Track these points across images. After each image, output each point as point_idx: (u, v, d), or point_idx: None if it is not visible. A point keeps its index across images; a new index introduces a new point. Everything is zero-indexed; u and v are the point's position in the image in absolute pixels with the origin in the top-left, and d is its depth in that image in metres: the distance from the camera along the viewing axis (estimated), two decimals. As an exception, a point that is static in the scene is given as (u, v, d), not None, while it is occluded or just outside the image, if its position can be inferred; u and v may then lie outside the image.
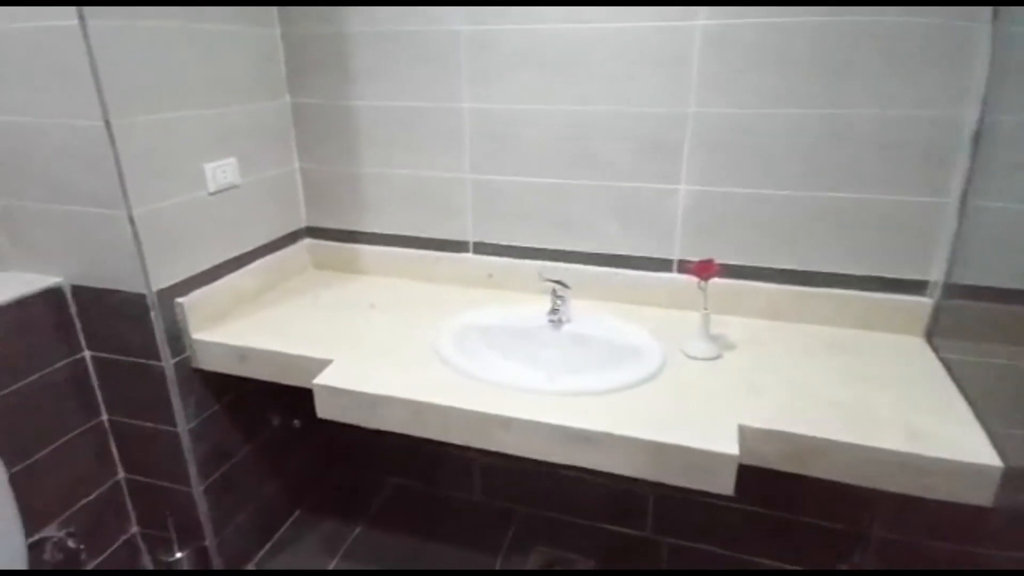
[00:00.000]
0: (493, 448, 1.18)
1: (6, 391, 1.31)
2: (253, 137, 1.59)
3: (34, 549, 1.37)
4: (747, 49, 1.33)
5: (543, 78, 1.48)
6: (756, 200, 1.44)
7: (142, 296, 1.35)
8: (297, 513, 1.98)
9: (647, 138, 1.46)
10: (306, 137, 1.74)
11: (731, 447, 1.05)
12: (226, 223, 1.54)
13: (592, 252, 1.60)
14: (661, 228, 1.53)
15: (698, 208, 1.49)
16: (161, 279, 1.36)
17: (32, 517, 1.38)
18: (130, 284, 1.35)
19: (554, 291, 1.49)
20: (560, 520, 1.95)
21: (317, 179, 1.78)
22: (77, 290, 1.40)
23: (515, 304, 1.59)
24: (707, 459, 1.05)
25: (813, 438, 1.08)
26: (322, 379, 1.25)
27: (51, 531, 1.43)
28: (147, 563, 1.69)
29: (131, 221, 1.29)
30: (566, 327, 1.49)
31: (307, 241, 1.85)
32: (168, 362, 1.41)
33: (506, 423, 1.14)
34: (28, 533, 1.36)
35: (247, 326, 1.48)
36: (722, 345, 1.39)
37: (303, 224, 1.84)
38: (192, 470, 1.53)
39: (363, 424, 1.26)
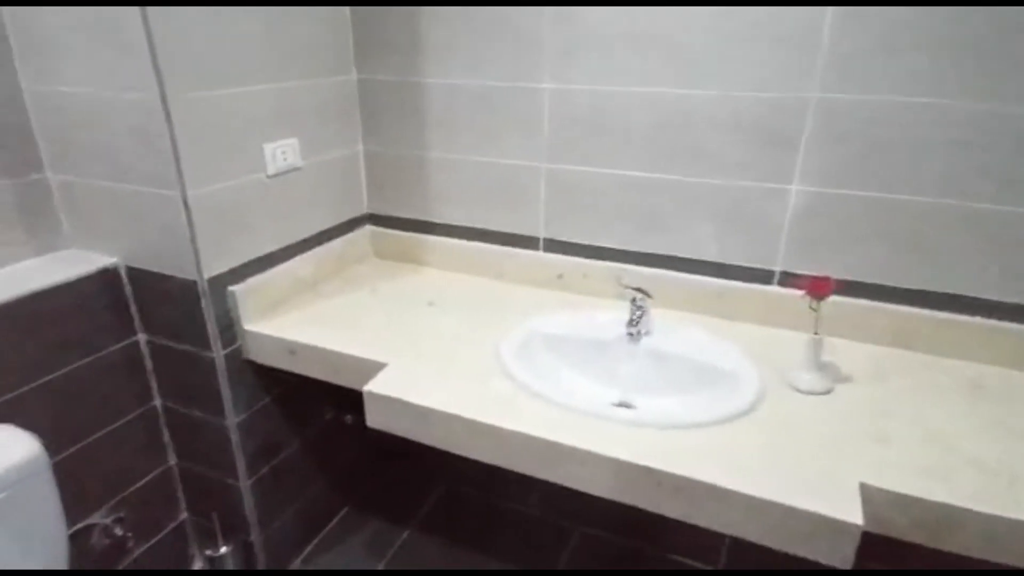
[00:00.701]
0: (560, 483, 1.03)
1: (61, 372, 1.27)
2: (316, 116, 1.49)
3: (80, 535, 1.34)
4: (890, 25, 1.10)
5: (636, 55, 1.29)
6: (886, 207, 1.21)
7: (193, 283, 1.27)
8: (345, 511, 1.91)
9: (757, 128, 1.25)
10: (372, 117, 1.62)
11: (853, 513, 0.85)
12: (285, 208, 1.44)
13: (680, 257, 1.41)
14: (764, 234, 1.32)
15: (811, 213, 1.27)
16: (214, 266, 1.29)
17: (81, 502, 1.35)
18: (182, 270, 1.28)
19: (634, 299, 1.32)
20: (624, 546, 1.79)
21: (381, 163, 1.66)
22: (132, 272, 1.35)
23: (588, 311, 1.43)
24: (822, 526, 0.86)
25: (955, 507, 0.88)
26: (374, 386, 1.13)
27: (99, 517, 1.40)
28: (194, 553, 1.66)
29: (185, 204, 1.21)
30: (646, 341, 1.32)
31: (368, 228, 1.74)
32: (219, 352, 1.34)
33: (578, 457, 0.99)
34: (76, 519, 1.34)
35: (300, 318, 1.39)
36: (835, 377, 1.18)
37: (365, 211, 1.74)
38: (240, 464, 1.47)
39: (415, 439, 1.13)
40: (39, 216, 1.32)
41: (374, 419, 1.16)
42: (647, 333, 1.32)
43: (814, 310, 1.16)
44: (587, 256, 1.51)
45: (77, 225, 1.36)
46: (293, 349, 1.31)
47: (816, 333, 1.16)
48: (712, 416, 1.06)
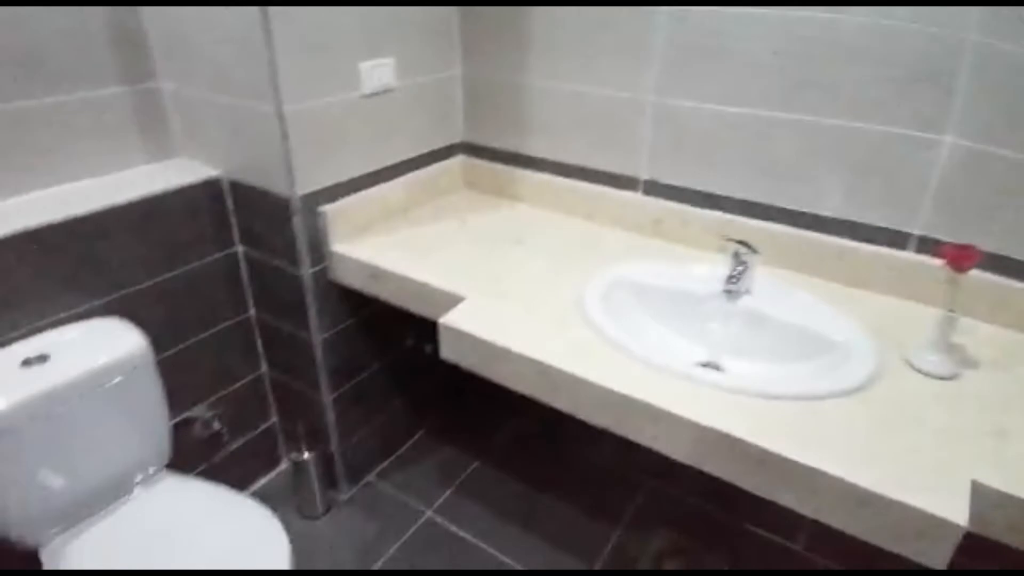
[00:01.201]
0: (634, 439, 0.97)
1: (167, 275, 1.35)
2: (415, 36, 1.43)
3: (182, 426, 1.47)
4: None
5: (773, -29, 1.11)
6: (1067, 169, 0.99)
7: (287, 200, 1.29)
8: (420, 434, 1.97)
9: (908, 64, 1.05)
10: (472, 38, 1.54)
11: (958, 512, 0.74)
12: (378, 129, 1.42)
13: (797, 210, 1.26)
14: (905, 191, 1.14)
15: (966, 170, 1.07)
16: (306, 183, 1.29)
17: (183, 396, 1.46)
18: (277, 185, 1.29)
19: (736, 253, 1.19)
20: (697, 507, 1.73)
21: (479, 88, 1.59)
22: (234, 185, 1.39)
23: (684, 262, 1.32)
24: (920, 521, 0.75)
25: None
26: (449, 319, 1.11)
27: (199, 411, 1.51)
28: (282, 455, 1.78)
29: (280, 118, 1.21)
30: (745, 300, 1.20)
31: (461, 158, 1.70)
32: (306, 270, 1.37)
33: (654, 415, 0.92)
34: (178, 411, 1.46)
35: (386, 244, 1.38)
36: (962, 361, 1.02)
37: (459, 139, 1.68)
38: (323, 379, 1.53)
39: (487, 377, 1.11)
40: (153, 124, 1.38)
41: (447, 351, 1.14)
42: (747, 292, 1.20)
43: (953, 283, 0.99)
44: (690, 202, 1.38)
45: (187, 135, 1.41)
46: (376, 274, 1.32)
47: (952, 310, 0.99)
48: (813, 389, 0.95)
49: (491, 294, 1.19)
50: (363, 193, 1.42)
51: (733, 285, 1.19)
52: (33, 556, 1.13)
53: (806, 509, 0.85)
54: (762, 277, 1.22)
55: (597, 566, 1.57)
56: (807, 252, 1.25)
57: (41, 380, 1.07)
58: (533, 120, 1.53)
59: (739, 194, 1.31)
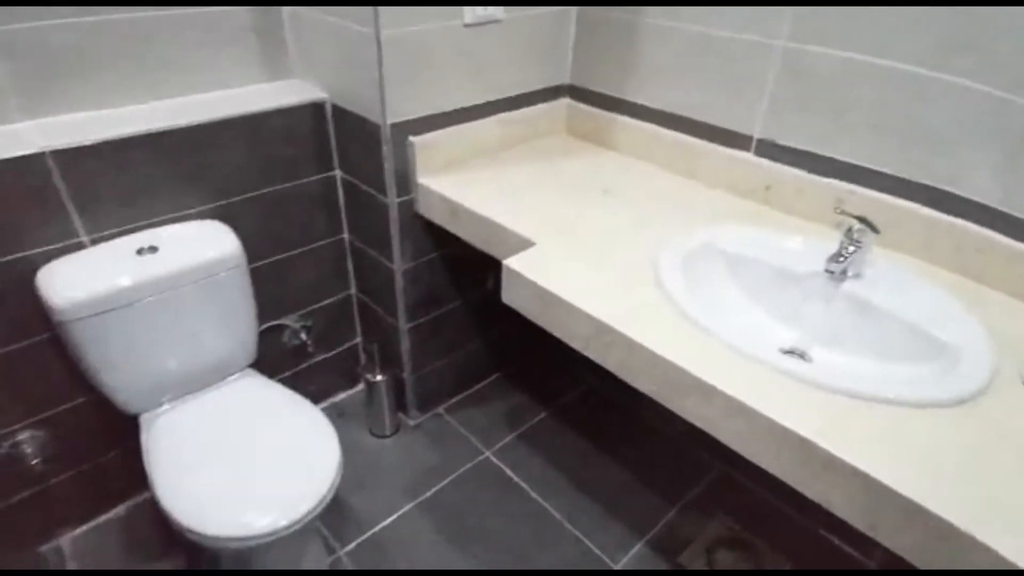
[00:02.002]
0: (684, 416, 0.90)
1: (270, 189, 1.44)
2: (527, -37, 1.36)
3: (272, 333, 1.58)
4: None
5: None
6: None
7: (378, 127, 1.30)
8: (494, 377, 1.99)
9: None
10: (589, -30, 1.43)
11: None
12: (479, 63, 1.38)
13: (937, 188, 1.06)
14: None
15: None
16: (398, 112, 1.29)
17: (277, 305, 1.57)
18: (371, 112, 1.31)
19: (850, 229, 1.03)
20: (768, 501, 1.61)
21: (593, 25, 1.48)
22: (336, 109, 1.42)
23: (787, 232, 1.17)
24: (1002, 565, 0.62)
25: None
26: (512, 263, 1.08)
27: (290, 321, 1.63)
28: (360, 373, 1.88)
29: (378, 42, 1.20)
30: (850, 284, 1.05)
31: (565, 101, 1.62)
32: (392, 200, 1.39)
33: (706, 393, 0.84)
34: (271, 317, 1.57)
35: (470, 181, 1.36)
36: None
37: (566, 80, 1.60)
38: (401, 307, 1.57)
39: (541, 325, 1.07)
40: (272, 44, 1.43)
41: (509, 295, 1.11)
42: (856, 275, 1.05)
43: None
44: (808, 168, 1.22)
45: (301, 56, 1.45)
46: (455, 210, 1.31)
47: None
48: (909, 394, 0.81)
49: (562, 242, 1.14)
50: (455, 128, 1.40)
51: (839, 265, 1.03)
52: (133, 420, 1.29)
53: (871, 529, 0.74)
54: (877, 260, 1.05)
55: (646, 539, 1.52)
56: (939, 239, 1.06)
57: (151, 267, 1.19)
58: (646, 64, 1.41)
59: (867, 163, 1.13)
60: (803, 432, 0.76)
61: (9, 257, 1.13)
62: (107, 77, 1.22)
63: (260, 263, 1.47)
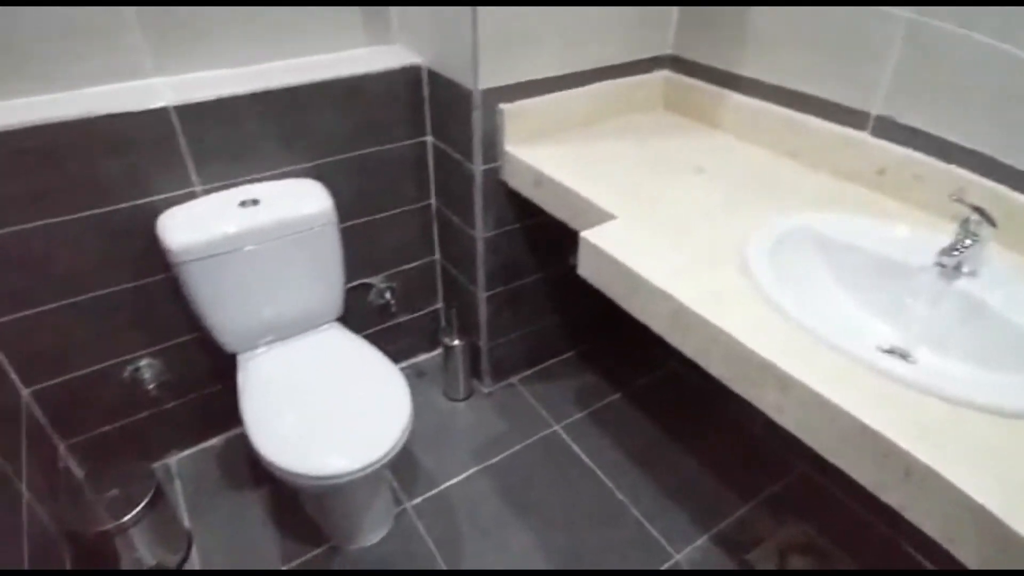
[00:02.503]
0: (763, 409, 0.85)
1: (366, 151, 1.49)
2: (633, -75, 1.30)
3: (359, 290, 1.66)
4: None
5: None
6: None
7: (469, 93, 1.31)
8: (569, 354, 1.98)
9: None
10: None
11: None
12: (575, 29, 1.34)
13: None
14: None
15: None
16: (489, 78, 1.29)
17: (365, 265, 1.64)
18: (463, 77, 1.32)
19: (967, 221, 0.92)
20: (847, 507, 1.50)
21: (698, -7, 1.40)
22: (431, 75, 1.45)
23: (893, 221, 1.07)
24: None
25: None
26: (590, 235, 1.06)
27: (375, 280, 1.70)
28: (440, 337, 1.93)
29: (473, 7, 1.20)
30: (964, 281, 0.94)
31: (665, 74, 1.55)
32: (478, 167, 1.40)
33: (786, 384, 0.79)
34: (359, 275, 1.65)
35: (557, 152, 1.34)
36: None
37: (668, 50, 1.53)
38: (480, 275, 1.59)
39: (616, 301, 1.05)
40: (375, 10, 1.47)
41: (585, 268, 1.10)
42: (971, 273, 0.94)
43: None
44: (929, 152, 1.10)
45: (402, 22, 1.48)
46: (539, 180, 1.30)
47: None
48: (1017, 404, 0.72)
49: (645, 218, 1.10)
50: (546, 97, 1.38)
51: (952, 259, 0.93)
52: (232, 359, 1.41)
53: (939, 536, 0.67)
54: (995, 258, 0.94)
55: (712, 532, 1.47)
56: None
57: (252, 219, 1.28)
58: (757, 33, 1.31)
59: (997, 152, 1.00)
60: (893, 436, 0.70)
61: (138, 202, 1.25)
62: (227, 39, 1.31)
63: (351, 223, 1.53)
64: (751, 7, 1.29)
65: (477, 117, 1.33)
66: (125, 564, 1.28)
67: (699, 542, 1.46)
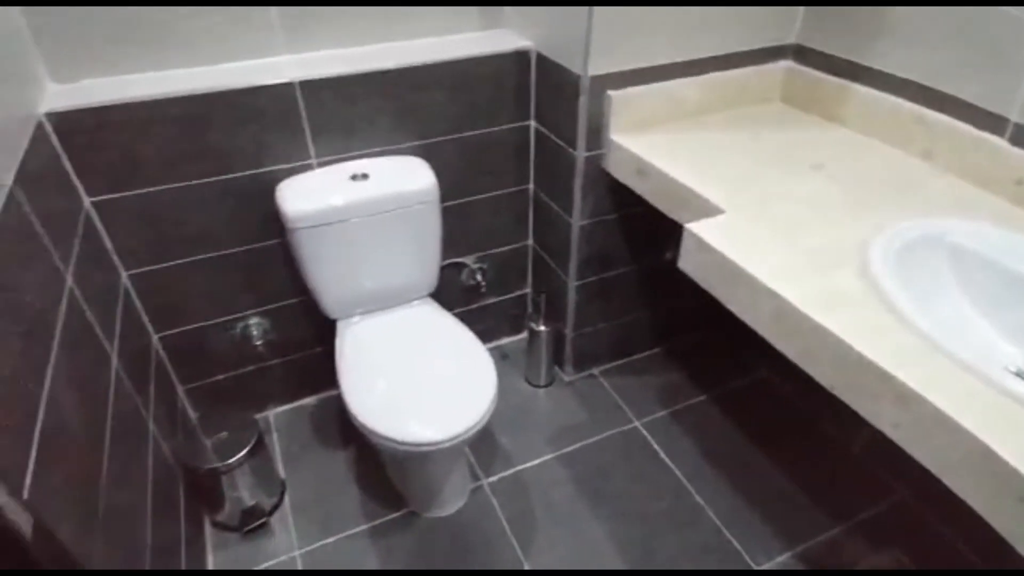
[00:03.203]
0: (876, 424, 0.80)
1: (470, 133, 1.51)
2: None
3: (451, 269, 1.70)
4: None
5: None
6: None
7: (577, 78, 1.30)
8: (656, 351, 1.94)
9: None
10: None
11: None
12: (690, 15, 1.30)
13: None
14: None
15: None
16: (599, 64, 1.28)
17: (460, 245, 1.68)
18: (572, 62, 1.31)
19: None
20: (948, 540, 1.38)
21: (831, -22, 1.31)
22: (540, 59, 1.45)
23: (1047, 237, 0.96)
24: None
25: None
26: (696, 227, 1.02)
27: (468, 260, 1.73)
28: (526, 321, 1.94)
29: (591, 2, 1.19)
30: None
31: (786, 64, 1.46)
32: (580, 153, 1.39)
33: (905, 399, 0.74)
34: (453, 254, 1.69)
35: (663, 142, 1.31)
36: None
37: (792, 40, 1.45)
38: (572, 263, 1.59)
39: (719, 298, 1.02)
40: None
41: (686, 262, 1.07)
42: None
43: None
44: (1092, 161, 0.98)
45: (514, 6, 1.49)
46: (642, 169, 1.27)
47: None
48: None
49: (755, 214, 1.05)
50: (656, 85, 1.35)
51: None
52: (332, 325, 1.48)
53: None
54: None
55: (797, 550, 1.40)
56: None
57: (362, 192, 1.34)
58: (895, 25, 1.22)
59: None
60: (1017, 464, 0.63)
61: (261, 170, 1.35)
62: (348, 20, 1.37)
63: (450, 203, 1.57)
64: (894, 7, 1.19)
65: (583, 103, 1.32)
66: (228, 502, 1.39)
67: (781, 558, 1.39)
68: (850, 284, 0.89)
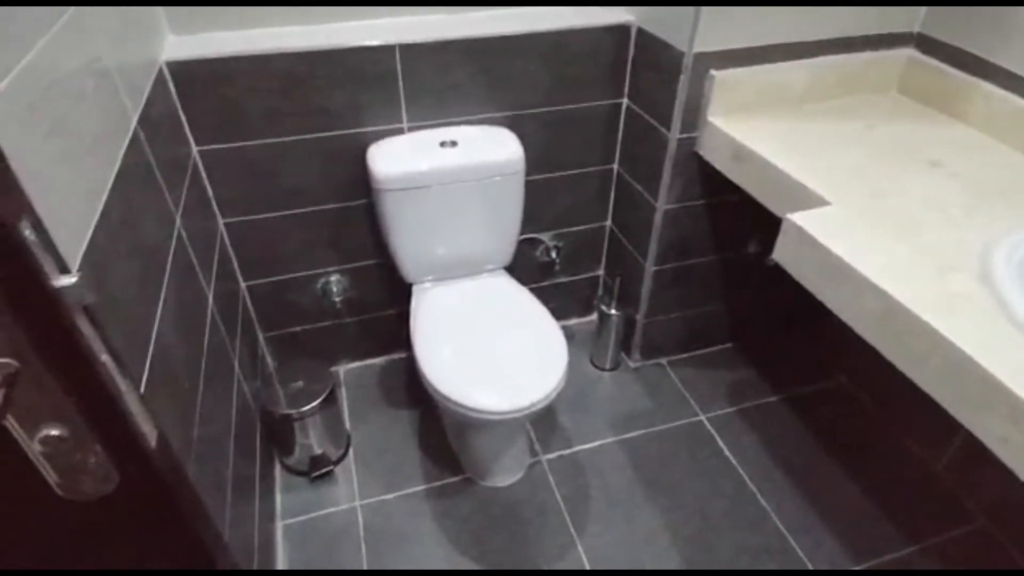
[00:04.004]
0: (969, 427, 0.75)
1: (560, 108, 1.49)
2: None
3: (526, 244, 1.70)
4: None
5: None
6: None
7: (681, 55, 1.26)
8: (728, 345, 1.88)
9: None
10: None
11: None
12: (810, -4, 1.23)
13: None
14: None
15: None
16: (707, 40, 1.22)
17: (538, 220, 1.67)
18: (677, 38, 1.26)
19: None
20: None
21: (970, -39, 1.21)
22: (640, 33, 1.40)
23: None
24: None
25: None
26: (800, 217, 0.97)
27: (545, 237, 1.72)
28: (596, 303, 1.92)
29: (705, -37, 1.14)
30: None
31: (907, 52, 1.37)
32: (674, 135, 1.35)
33: (1018, 413, 0.68)
34: (530, 230, 1.68)
35: (764, 128, 1.25)
36: None
37: (916, 28, 1.35)
38: (652, 247, 1.55)
39: (815, 293, 0.97)
40: (592, -35, 1.45)
41: (782, 253, 1.02)
42: None
43: None
44: None
45: (615, -22, 1.46)
46: (739, 154, 1.22)
47: None
48: None
49: (865, 208, 0.99)
50: (761, 67, 1.28)
51: None
52: (408, 288, 1.51)
53: None
54: None
55: (864, 567, 1.34)
56: None
57: (449, 158, 1.35)
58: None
59: None
60: None
61: (354, 131, 1.38)
62: (451, -16, 1.37)
63: (533, 177, 1.56)
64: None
65: (683, 82, 1.28)
66: (298, 448, 1.46)
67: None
68: (969, 289, 0.83)
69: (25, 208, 0.45)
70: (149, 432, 0.54)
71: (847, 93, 1.36)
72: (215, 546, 0.69)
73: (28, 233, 0.42)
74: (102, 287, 0.66)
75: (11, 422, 0.42)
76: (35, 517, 0.50)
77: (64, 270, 0.46)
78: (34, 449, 0.44)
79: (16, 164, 0.48)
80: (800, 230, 0.96)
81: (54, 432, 0.44)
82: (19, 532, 0.51)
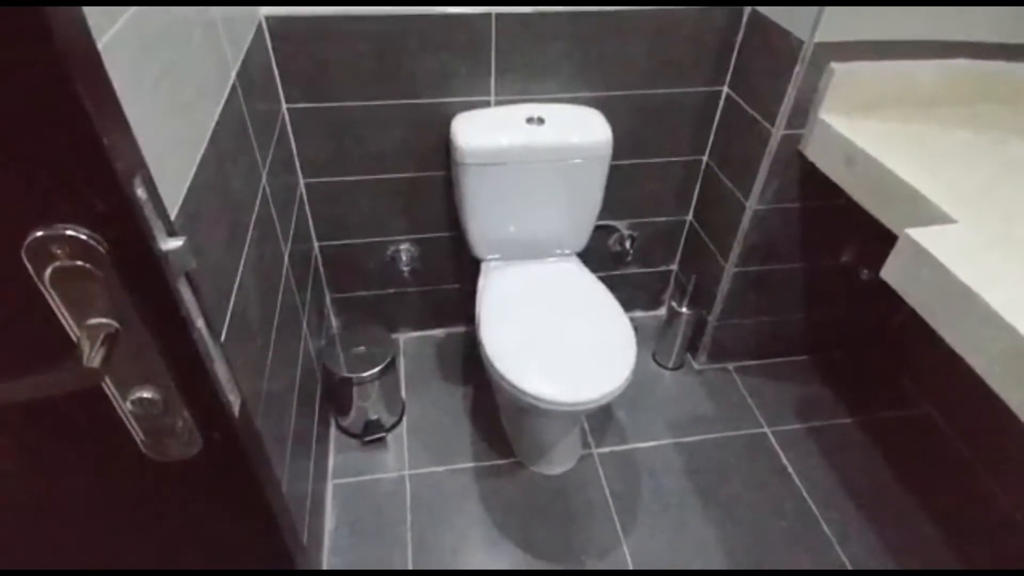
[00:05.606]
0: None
1: (655, 92, 1.41)
2: None
3: (603, 231, 1.64)
4: None
5: None
6: None
7: (799, 43, 1.16)
8: (803, 357, 1.78)
9: None
10: None
11: None
12: (954, -12, 1.10)
13: None
14: None
15: None
16: (830, 29, 1.12)
17: (616, 208, 1.61)
18: (797, 24, 1.16)
19: None
20: None
21: None
22: (754, 17, 1.30)
23: None
24: None
25: None
26: (920, 234, 0.88)
27: (620, 226, 1.66)
28: (666, 300, 1.85)
29: (840, -56, 1.03)
30: None
31: (1054, 60, 1.22)
32: (778, 131, 1.26)
33: None
34: (607, 217, 1.62)
35: (883, 131, 1.14)
36: None
37: (1069, 32, 1.20)
38: (735, 248, 1.47)
39: (931, 322, 0.88)
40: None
41: (892, 272, 0.93)
42: None
43: None
44: None
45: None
46: (852, 157, 1.12)
47: None
48: None
49: (998, 232, 0.89)
50: (887, 63, 1.17)
51: None
52: (476, 265, 1.49)
53: None
54: None
55: (931, 611, 1.26)
56: None
57: (535, 136, 1.30)
58: None
59: None
60: None
61: (441, 100, 1.35)
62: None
63: (616, 162, 1.49)
64: None
65: (798, 73, 1.18)
66: (354, 411, 1.48)
67: (911, 614, 1.25)
68: (1119, 337, 0.73)
69: (139, 163, 0.44)
70: (234, 400, 0.53)
71: (981, 101, 1.23)
72: (278, 508, 0.69)
73: (140, 192, 0.41)
74: (195, 248, 0.65)
75: (107, 382, 0.42)
76: (118, 473, 0.51)
77: (171, 233, 0.45)
78: (126, 408, 0.44)
79: (130, 112, 0.47)
80: (919, 248, 0.87)
81: (146, 395, 0.44)
82: (103, 485, 0.51)
